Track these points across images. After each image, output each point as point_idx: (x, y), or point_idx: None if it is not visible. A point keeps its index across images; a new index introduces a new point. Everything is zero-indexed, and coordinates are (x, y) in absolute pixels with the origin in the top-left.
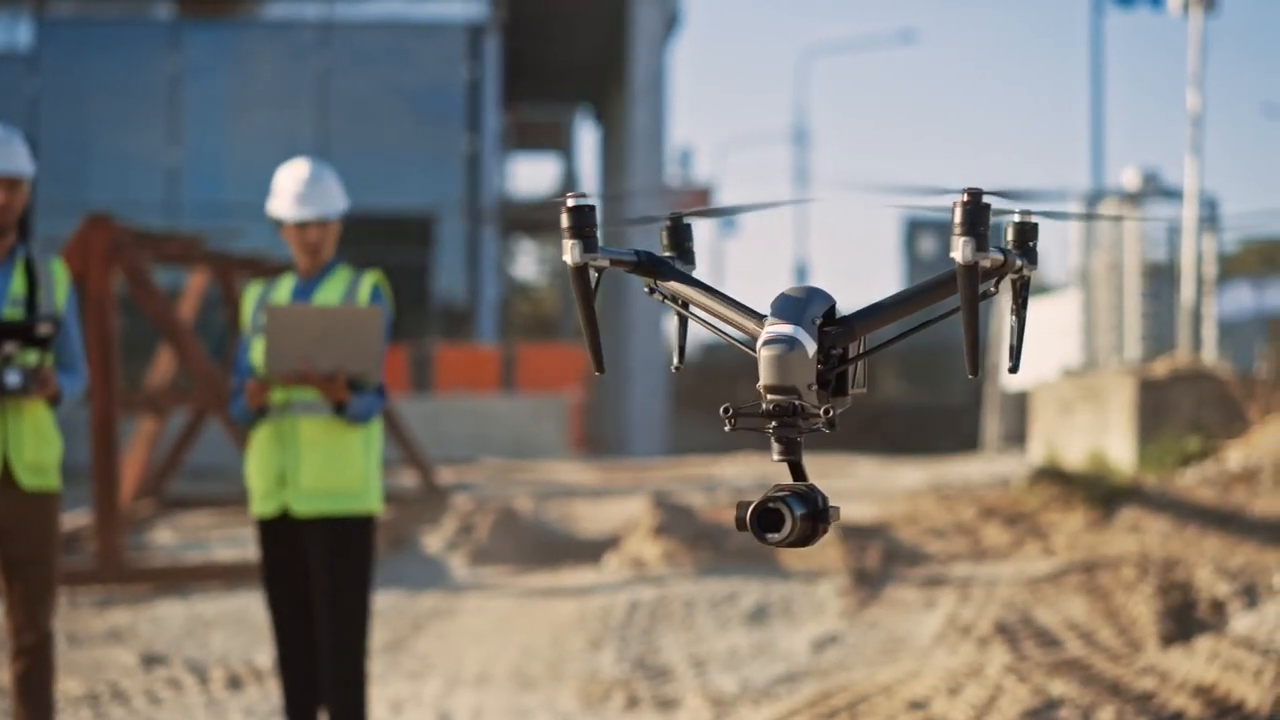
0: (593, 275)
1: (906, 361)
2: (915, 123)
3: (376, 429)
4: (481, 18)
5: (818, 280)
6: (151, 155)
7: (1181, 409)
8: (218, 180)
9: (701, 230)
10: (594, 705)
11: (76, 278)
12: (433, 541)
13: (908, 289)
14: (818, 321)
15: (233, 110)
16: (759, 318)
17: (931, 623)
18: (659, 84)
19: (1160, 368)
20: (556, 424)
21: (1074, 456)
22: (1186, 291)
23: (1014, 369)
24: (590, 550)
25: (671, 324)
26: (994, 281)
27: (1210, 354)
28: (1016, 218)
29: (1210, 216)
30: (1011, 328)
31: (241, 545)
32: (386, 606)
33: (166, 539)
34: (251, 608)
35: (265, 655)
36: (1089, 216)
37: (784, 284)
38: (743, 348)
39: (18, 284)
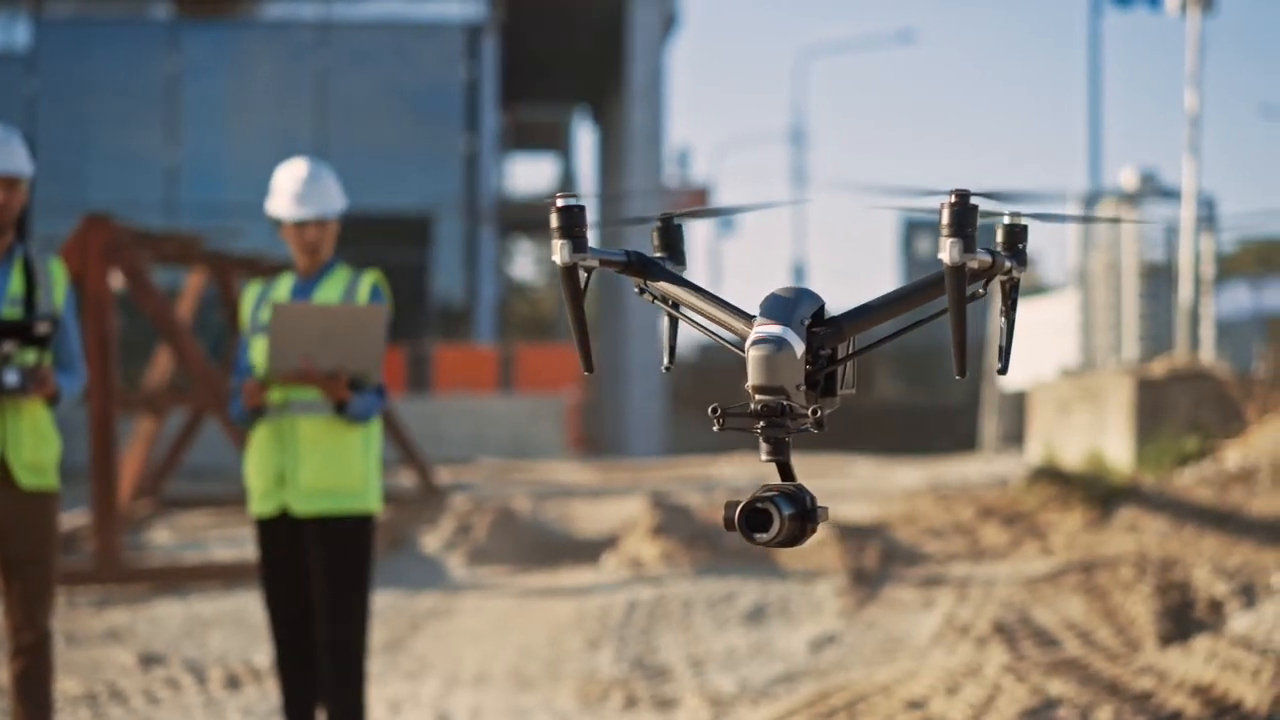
0: (582, 275)
1: (904, 362)
2: (913, 123)
3: (376, 429)
4: (480, 18)
5: (815, 281)
6: (150, 155)
7: (1179, 409)
8: (216, 180)
9: (699, 231)
10: (592, 705)
11: (75, 277)
12: (431, 541)
13: (897, 290)
14: (806, 322)
15: (231, 110)
16: (748, 318)
17: (929, 622)
18: (657, 84)
19: (1158, 368)
20: (554, 424)
21: (1072, 456)
22: (1184, 291)
23: (1003, 370)
24: (588, 550)
25: (664, 325)
26: (983, 283)
27: (1208, 354)
28: (1006, 219)
29: (1208, 217)
30: (1001, 329)
31: (239, 545)
32: (384, 606)
33: (164, 539)
34: (249, 608)
35: (263, 655)
36: (1079, 218)
37: (782, 284)
38: (732, 348)
39: (16, 283)
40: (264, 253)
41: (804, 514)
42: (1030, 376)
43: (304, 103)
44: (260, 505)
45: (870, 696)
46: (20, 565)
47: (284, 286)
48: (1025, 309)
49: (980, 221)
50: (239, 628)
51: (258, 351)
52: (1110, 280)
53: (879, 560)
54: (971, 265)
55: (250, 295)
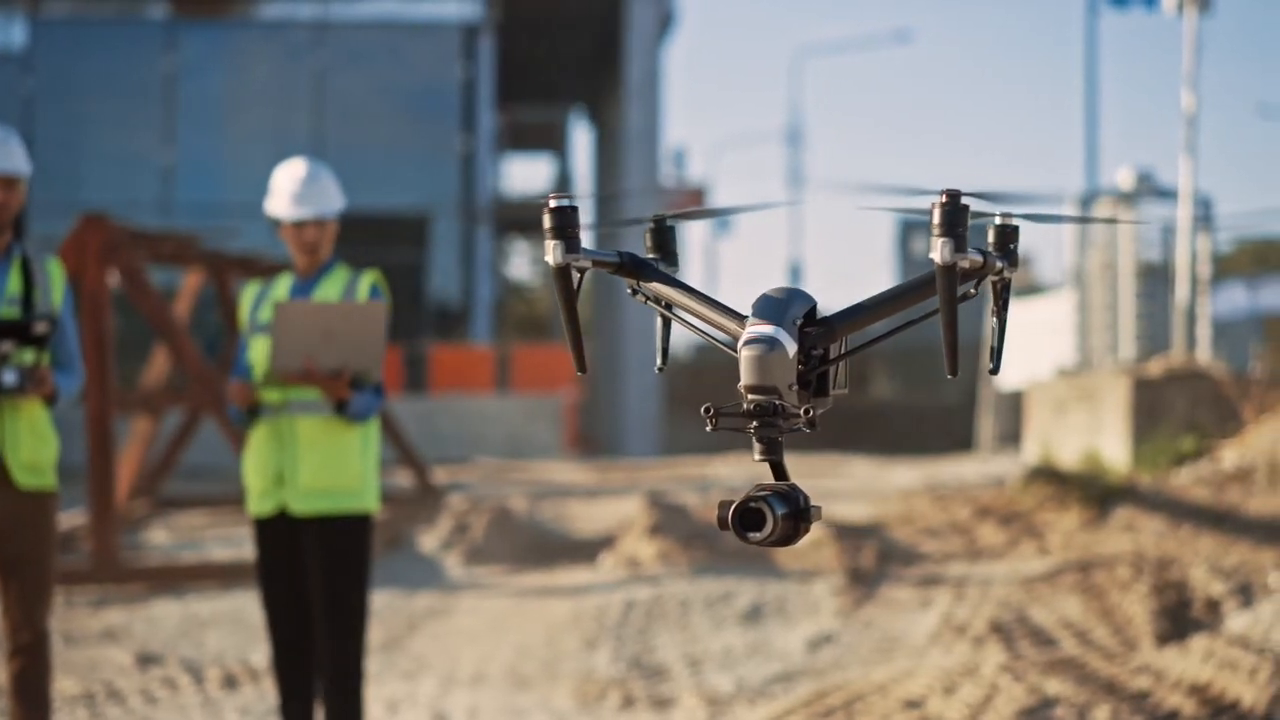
0: (575, 276)
1: (901, 361)
2: (909, 123)
3: (374, 428)
4: (476, 17)
5: (811, 281)
6: (146, 155)
7: (1176, 409)
8: (213, 180)
9: (695, 231)
10: (589, 705)
11: (72, 277)
12: (428, 541)
13: (889, 290)
14: (798, 322)
15: (228, 110)
16: (740, 318)
17: (927, 622)
18: (653, 84)
19: (1155, 367)
20: (551, 424)
21: (1069, 456)
22: (1181, 291)
23: (994, 370)
24: (585, 550)
25: (657, 326)
26: (974, 283)
27: (1205, 354)
28: (997, 220)
29: (1205, 216)
30: (992, 329)
31: (236, 545)
32: (382, 606)
33: (161, 539)
34: (247, 607)
35: (261, 655)
36: (1071, 219)
37: (778, 285)
38: (725, 348)
39: (14, 283)
40: (261, 252)
41: (797, 513)
42: (1027, 376)
43: (300, 103)
44: (258, 505)
45: (867, 696)
46: (18, 565)
47: (283, 286)
48: (1022, 309)
49: (972, 222)
50: (236, 627)
51: (257, 351)
52: (1107, 280)
53: (876, 560)
54: (963, 265)
55: (249, 295)
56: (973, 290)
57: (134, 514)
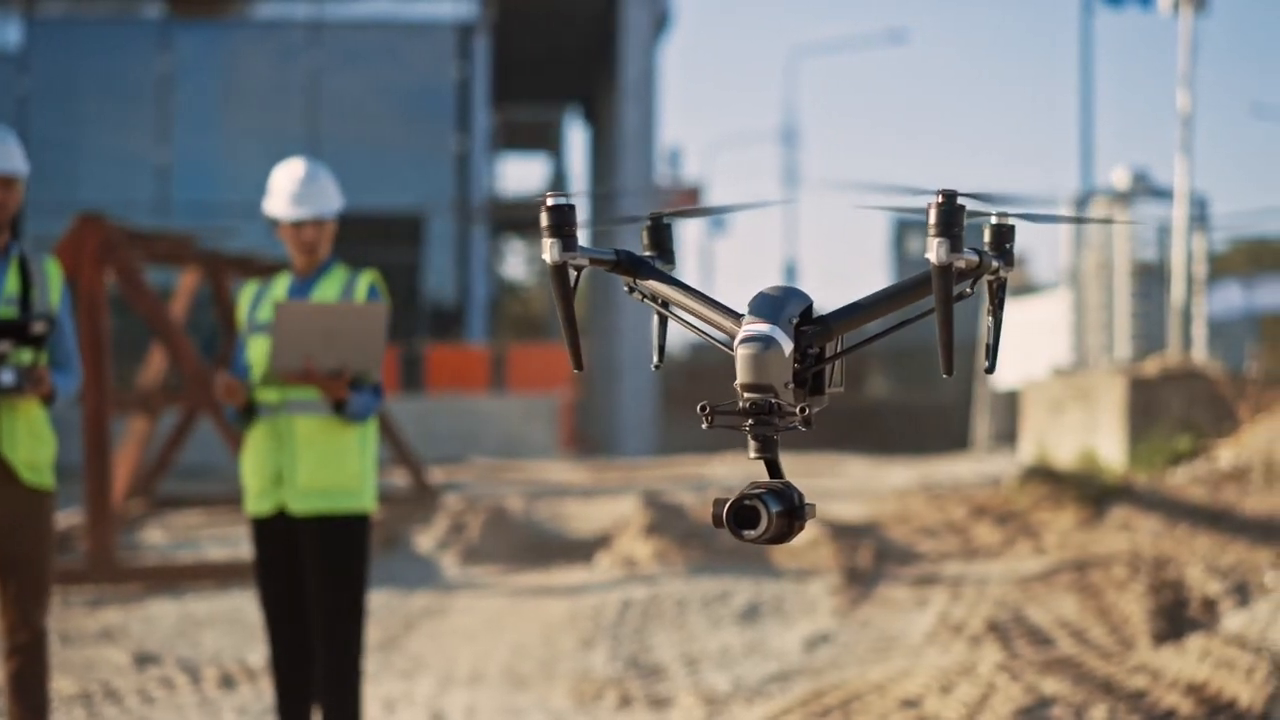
0: (572, 274)
1: (896, 361)
2: (905, 122)
3: (372, 428)
4: (471, 17)
5: (807, 281)
6: (142, 155)
7: (1172, 408)
8: (208, 180)
9: (690, 230)
10: (586, 704)
11: (68, 277)
12: (424, 541)
13: (885, 289)
14: (795, 320)
15: (223, 110)
16: (736, 316)
17: (923, 621)
18: (648, 83)
19: (1150, 367)
20: (547, 424)
21: (1064, 455)
22: (1176, 291)
23: (990, 369)
24: (581, 549)
25: (654, 323)
26: (969, 282)
27: (1200, 353)
28: (993, 219)
29: (1200, 216)
30: (988, 328)
31: (233, 544)
32: (378, 606)
33: (157, 538)
34: (244, 607)
35: (258, 654)
36: (1066, 219)
37: (773, 284)
38: (721, 346)
39: (12, 282)
40: (257, 252)
41: (792, 511)
42: (1022, 376)
43: (295, 102)
44: (256, 504)
45: (864, 695)
46: (16, 564)
47: (281, 286)
48: (1017, 309)
49: (968, 221)
50: (233, 627)
51: (255, 351)
52: (1102, 279)
53: (872, 559)
54: (958, 265)
55: (247, 295)
56: (969, 290)
57: (131, 514)
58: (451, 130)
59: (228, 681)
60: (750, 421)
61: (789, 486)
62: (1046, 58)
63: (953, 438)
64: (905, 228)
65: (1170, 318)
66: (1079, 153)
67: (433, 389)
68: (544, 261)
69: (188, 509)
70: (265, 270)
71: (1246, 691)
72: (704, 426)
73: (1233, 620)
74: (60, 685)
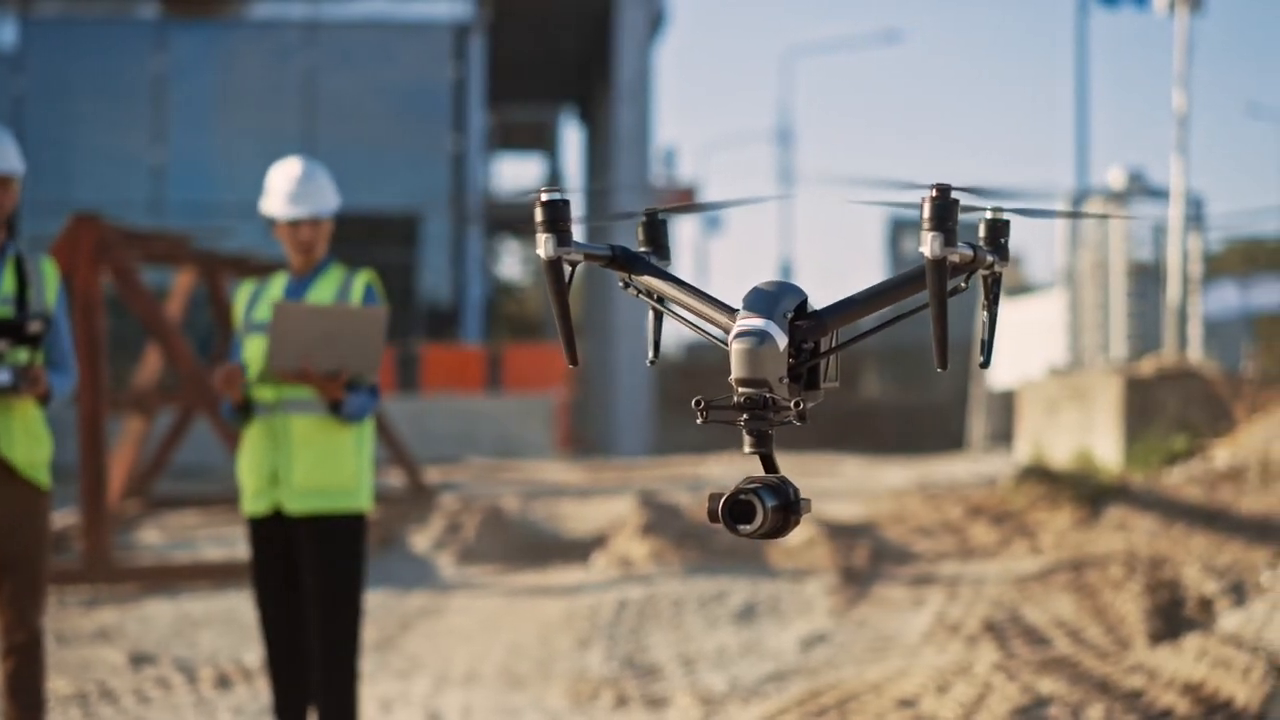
0: (567, 270)
1: (892, 361)
2: (899, 123)
3: (368, 428)
4: (467, 17)
5: (802, 280)
6: (137, 154)
7: (1168, 408)
8: (203, 179)
9: (685, 229)
10: (583, 704)
11: (64, 277)
12: (420, 541)
13: (879, 284)
14: (789, 315)
15: (218, 110)
16: (731, 312)
17: (920, 621)
18: (644, 83)
19: (1146, 367)
20: (542, 423)
21: (1060, 455)
22: (1172, 291)
23: (985, 364)
24: (577, 549)
25: (649, 319)
26: (964, 277)
27: (1196, 353)
28: (988, 214)
29: (1196, 216)
30: (983, 323)
31: (229, 544)
32: (374, 606)
33: (153, 538)
34: (240, 607)
35: (254, 654)
36: (1060, 214)
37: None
38: (716, 341)
39: (8, 282)
40: (253, 252)
41: (787, 506)
42: (1018, 376)
43: (291, 102)
44: (253, 504)
45: (861, 695)
46: (12, 564)
47: (278, 286)
48: (1013, 308)
49: (963, 216)
50: (229, 627)
51: (251, 350)
52: (1098, 279)
53: (869, 559)
54: (953, 259)
55: (244, 294)
56: (963, 284)
57: (127, 514)
58: (447, 130)
59: (224, 681)
60: (745, 416)
61: (784, 481)
62: (1042, 58)
63: (949, 437)
64: (900, 227)
65: (1166, 317)
66: (1074, 152)
67: (428, 389)
68: (539, 258)
69: (184, 509)
70: (261, 270)
71: (1243, 691)
72: (699, 421)
73: (1229, 620)
74: (56, 685)
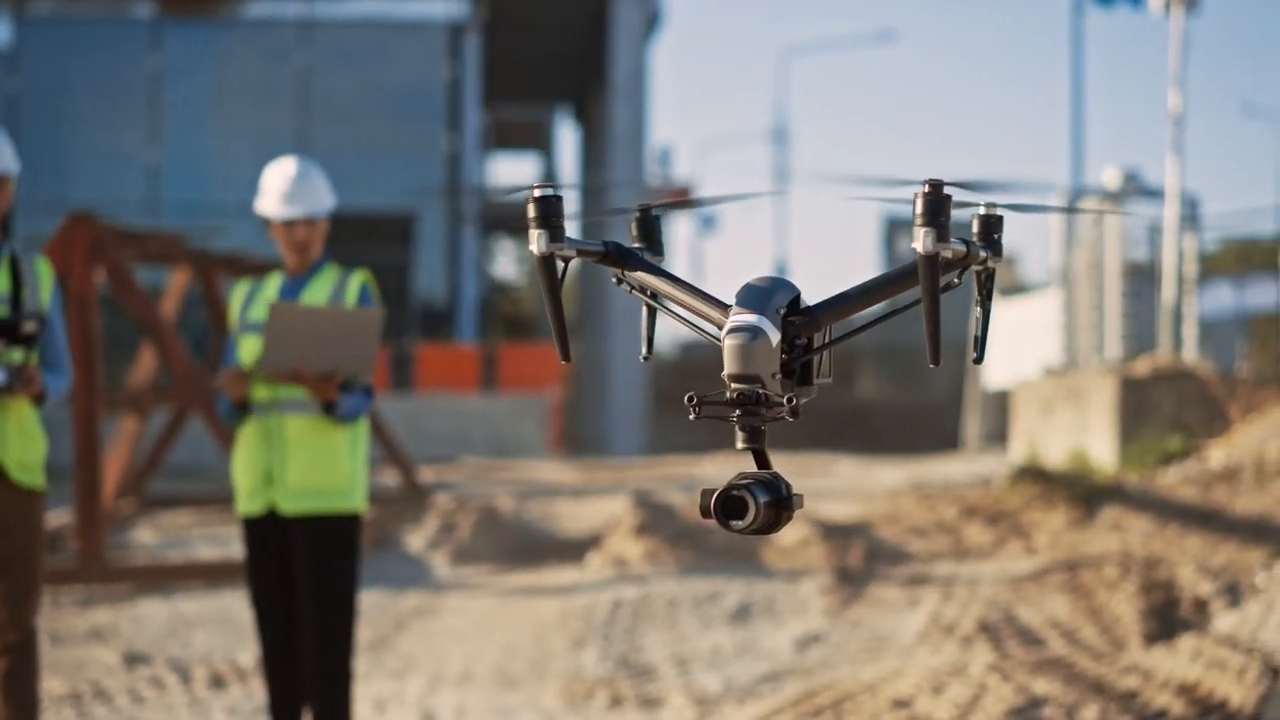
0: (560, 266)
1: (887, 361)
2: (895, 122)
3: (363, 428)
4: (462, 16)
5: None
6: (132, 154)
7: (1163, 408)
8: (198, 179)
9: (681, 229)
10: (577, 704)
11: (58, 276)
12: (414, 540)
13: (872, 279)
14: (782, 311)
15: (213, 109)
16: (724, 307)
17: (915, 621)
18: (639, 83)
19: (1141, 367)
20: (537, 423)
21: (1055, 455)
22: (1167, 291)
23: (978, 360)
24: (572, 549)
25: (643, 315)
26: (957, 273)
27: (1191, 353)
28: (981, 209)
29: (1191, 216)
30: (976, 319)
31: (223, 544)
32: (369, 605)
33: (147, 538)
34: (234, 607)
35: (248, 654)
36: (1054, 208)
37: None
38: (709, 337)
39: (2, 282)
40: (248, 251)
41: (780, 501)
42: (1013, 376)
43: (286, 101)
44: (247, 504)
45: (856, 695)
46: (6, 564)
47: (273, 286)
48: (1008, 308)
49: (956, 212)
50: (223, 627)
51: (246, 350)
52: (1093, 279)
53: (863, 559)
54: (945, 255)
55: (239, 294)
56: (956, 280)
57: (121, 513)
58: (442, 130)
59: (218, 681)
60: (738, 412)
61: (777, 477)
62: (1037, 57)
63: (943, 438)
64: (895, 226)
65: (1161, 318)
66: (1070, 152)
67: (423, 389)
68: (532, 255)
69: (178, 509)
70: (256, 269)
71: (1238, 692)
72: (692, 417)
73: (1224, 621)
74: (50, 685)
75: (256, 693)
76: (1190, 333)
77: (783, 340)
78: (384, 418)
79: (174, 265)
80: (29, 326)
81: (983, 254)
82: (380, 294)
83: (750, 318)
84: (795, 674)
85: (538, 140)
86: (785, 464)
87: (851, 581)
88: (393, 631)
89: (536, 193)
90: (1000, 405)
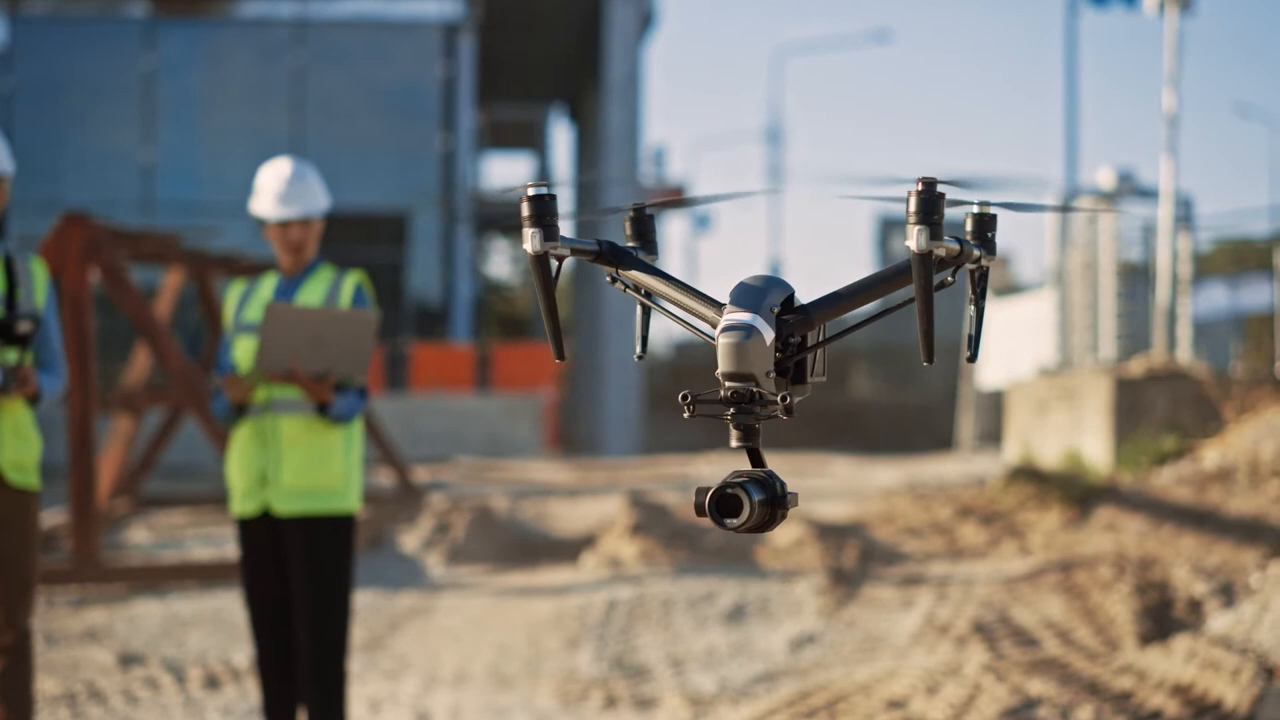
0: (554, 265)
1: (882, 361)
2: (890, 122)
3: (357, 429)
4: (456, 16)
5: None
6: (126, 154)
7: (1157, 408)
8: (193, 179)
9: (675, 229)
10: (572, 704)
11: (53, 276)
12: (409, 540)
13: (866, 278)
14: (776, 310)
15: (208, 109)
16: (718, 306)
17: (909, 622)
18: (633, 83)
19: (1136, 367)
20: (531, 423)
21: (1050, 456)
22: (1162, 291)
23: (972, 359)
24: (567, 549)
25: (637, 314)
26: (951, 271)
27: (1185, 353)
28: (975, 208)
29: (1185, 216)
30: (970, 318)
31: (217, 544)
32: (363, 606)
33: (142, 538)
34: (228, 607)
35: (243, 655)
36: (1048, 207)
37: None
38: (703, 336)
39: None
40: (242, 252)
41: (774, 500)
42: (1008, 375)
43: (280, 101)
44: (242, 505)
45: (850, 696)
46: (1, 564)
47: (268, 286)
48: (1002, 308)
49: (950, 210)
50: (218, 627)
51: (241, 350)
52: (1087, 279)
53: (858, 559)
54: (938, 253)
55: (234, 295)
56: (950, 278)
57: (115, 513)
58: (436, 129)
59: (212, 682)
60: (732, 410)
61: (771, 475)
62: (1031, 58)
63: (938, 438)
64: (889, 226)
65: (1155, 318)
66: (1064, 152)
67: (417, 388)
68: (526, 254)
69: (172, 509)
70: (250, 269)
71: (1232, 692)
72: (686, 415)
73: (1218, 621)
74: (45, 686)
75: (251, 693)
76: (1184, 333)
77: (777, 339)
78: (378, 418)
79: (168, 265)
80: (24, 327)
81: (976, 253)
82: (375, 295)
83: (744, 316)
84: (790, 674)
85: (532, 140)
86: (780, 464)
87: (846, 582)
88: (387, 631)
89: (530, 192)
90: (994, 405)
